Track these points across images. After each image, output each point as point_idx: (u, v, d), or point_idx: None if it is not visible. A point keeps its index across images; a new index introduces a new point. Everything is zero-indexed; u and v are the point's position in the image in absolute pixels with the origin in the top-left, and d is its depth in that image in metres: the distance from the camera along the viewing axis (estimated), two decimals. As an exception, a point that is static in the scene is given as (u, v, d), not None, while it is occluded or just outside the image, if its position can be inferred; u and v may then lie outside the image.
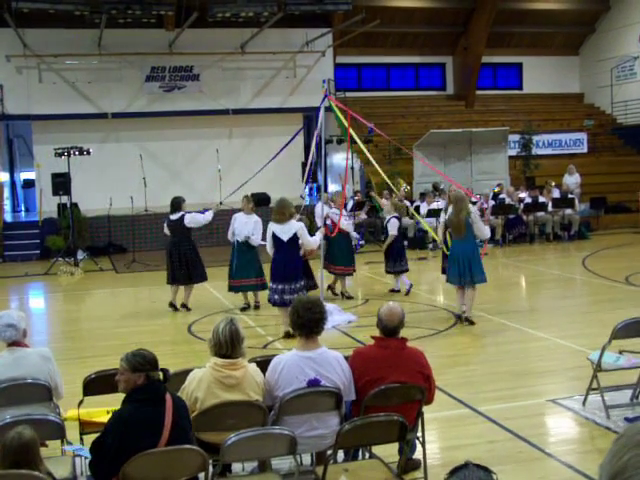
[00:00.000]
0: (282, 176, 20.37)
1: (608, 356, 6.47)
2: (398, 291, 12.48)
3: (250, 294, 11.75)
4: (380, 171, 10.39)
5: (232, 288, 11.62)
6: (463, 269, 9.73)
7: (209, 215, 12.04)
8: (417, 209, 18.57)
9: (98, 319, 11.94)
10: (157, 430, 4.08)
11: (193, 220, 11.77)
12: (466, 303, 9.94)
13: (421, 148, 20.77)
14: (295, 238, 9.47)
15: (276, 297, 9.60)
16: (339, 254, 12.04)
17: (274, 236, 9.49)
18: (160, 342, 9.78)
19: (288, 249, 9.47)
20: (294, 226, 9.51)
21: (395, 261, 12.36)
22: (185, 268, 11.64)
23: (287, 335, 9.42)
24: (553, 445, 5.92)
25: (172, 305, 11.78)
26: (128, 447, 3.96)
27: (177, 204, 11.74)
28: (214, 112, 21.98)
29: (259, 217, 11.55)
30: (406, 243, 18.91)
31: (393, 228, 12.24)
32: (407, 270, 12.54)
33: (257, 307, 11.70)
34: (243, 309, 11.64)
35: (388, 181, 10.37)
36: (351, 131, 10.29)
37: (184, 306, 11.74)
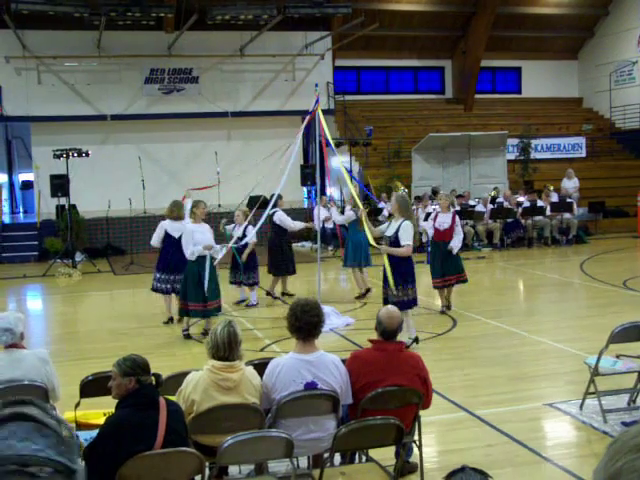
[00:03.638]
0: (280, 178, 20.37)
1: (605, 360, 6.47)
2: (243, 301, 12.21)
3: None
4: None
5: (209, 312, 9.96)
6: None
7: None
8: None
9: (96, 321, 11.93)
10: (151, 435, 4.06)
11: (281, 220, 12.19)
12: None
13: (420, 151, 20.79)
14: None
15: (168, 286, 10.82)
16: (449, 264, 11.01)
17: (167, 233, 10.77)
18: (158, 344, 9.78)
19: (178, 245, 10.37)
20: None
21: (251, 272, 11.79)
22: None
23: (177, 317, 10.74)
24: (550, 449, 5.92)
25: (271, 295, 12.37)
26: (122, 452, 3.95)
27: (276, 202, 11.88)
28: (213, 114, 22.00)
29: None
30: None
31: (252, 236, 11.40)
32: (257, 283, 12.06)
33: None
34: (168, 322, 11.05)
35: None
36: (328, 137, 10.28)
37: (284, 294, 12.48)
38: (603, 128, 26.45)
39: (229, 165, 21.13)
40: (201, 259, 9.61)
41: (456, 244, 10.84)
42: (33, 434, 1.67)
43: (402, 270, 8.76)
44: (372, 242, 9.19)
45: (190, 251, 9.60)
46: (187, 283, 9.75)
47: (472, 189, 20.62)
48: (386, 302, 8.80)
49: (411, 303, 8.94)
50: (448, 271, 10.94)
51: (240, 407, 4.66)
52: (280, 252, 12.27)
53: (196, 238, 9.59)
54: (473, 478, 2.36)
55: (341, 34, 22.69)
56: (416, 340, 8.96)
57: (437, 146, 20.94)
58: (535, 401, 7.04)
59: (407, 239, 8.64)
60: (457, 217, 11.15)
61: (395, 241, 8.72)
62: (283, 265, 12.32)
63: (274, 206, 11.59)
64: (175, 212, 10.82)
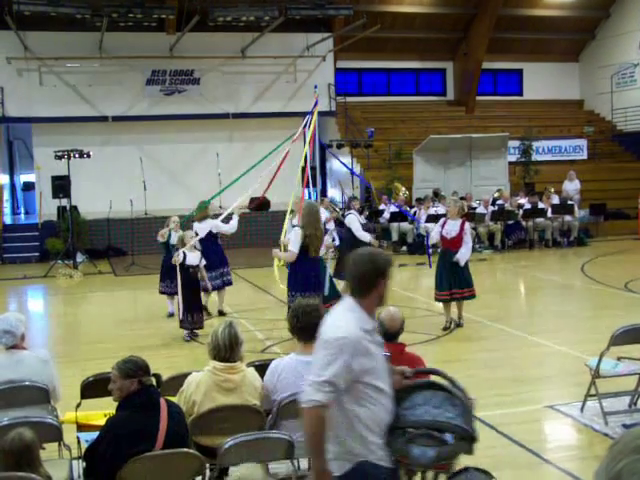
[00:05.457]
0: (281, 180, 20.39)
1: (606, 362, 6.46)
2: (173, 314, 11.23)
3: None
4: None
5: None
6: None
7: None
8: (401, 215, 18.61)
9: (97, 322, 11.93)
10: (152, 436, 4.06)
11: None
12: None
13: (421, 153, 20.78)
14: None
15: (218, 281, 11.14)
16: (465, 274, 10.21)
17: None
18: (158, 345, 9.78)
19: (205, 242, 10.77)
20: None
21: (172, 280, 10.68)
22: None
23: None
24: (551, 451, 5.92)
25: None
26: (123, 454, 3.95)
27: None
28: (214, 116, 22.01)
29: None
30: (405, 248, 18.98)
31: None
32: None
33: None
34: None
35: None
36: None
37: None
38: (604, 130, 26.44)
39: (230, 167, 21.12)
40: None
41: (463, 255, 9.91)
42: (445, 403, 1.73)
43: (297, 276, 8.70)
44: (281, 248, 9.28)
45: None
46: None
47: (473, 191, 20.61)
48: None
49: None
50: (456, 285, 10.01)
51: (241, 408, 4.66)
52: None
53: None
54: (477, 478, 2.36)
55: (342, 36, 22.70)
56: None
57: (438, 148, 20.92)
58: (536, 403, 7.03)
59: (291, 245, 8.74)
60: (467, 225, 10.14)
61: None
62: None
63: (348, 207, 11.46)
64: (198, 214, 11.32)
